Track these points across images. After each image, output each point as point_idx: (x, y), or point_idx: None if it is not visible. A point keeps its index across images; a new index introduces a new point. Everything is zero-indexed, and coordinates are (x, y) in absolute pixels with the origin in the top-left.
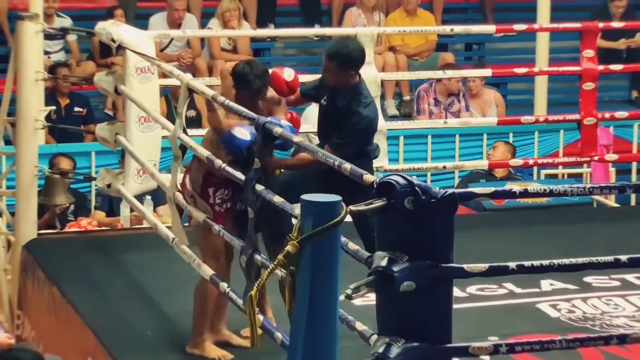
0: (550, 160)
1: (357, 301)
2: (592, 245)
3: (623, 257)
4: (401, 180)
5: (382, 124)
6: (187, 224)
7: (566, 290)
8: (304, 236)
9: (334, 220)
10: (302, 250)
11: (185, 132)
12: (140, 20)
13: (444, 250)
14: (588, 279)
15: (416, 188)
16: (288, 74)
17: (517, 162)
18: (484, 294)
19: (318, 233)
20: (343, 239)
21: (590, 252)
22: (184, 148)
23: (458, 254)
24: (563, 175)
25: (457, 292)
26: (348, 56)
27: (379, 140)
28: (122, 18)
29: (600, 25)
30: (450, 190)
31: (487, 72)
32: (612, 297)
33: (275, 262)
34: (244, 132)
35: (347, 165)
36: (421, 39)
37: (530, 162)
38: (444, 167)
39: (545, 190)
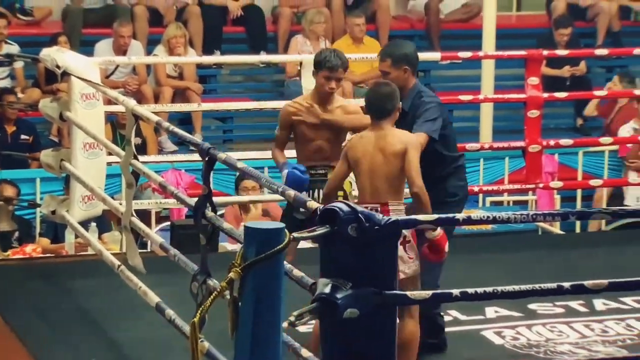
0: (495, 188)
1: (303, 327)
2: (537, 273)
3: (566, 284)
4: (345, 208)
5: None
6: (144, 250)
7: (511, 317)
8: (247, 263)
9: (277, 248)
10: (245, 277)
11: (136, 158)
12: (85, 47)
13: (387, 277)
14: (532, 306)
15: (360, 215)
16: None
17: None
18: None
19: (261, 260)
20: (288, 265)
21: (535, 279)
22: (136, 175)
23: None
24: (508, 202)
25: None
26: (400, 51)
27: None
28: (67, 45)
29: (545, 53)
30: (393, 218)
31: None
32: (556, 324)
33: (218, 289)
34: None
35: (291, 192)
36: (367, 66)
37: (476, 189)
38: None
39: (488, 217)
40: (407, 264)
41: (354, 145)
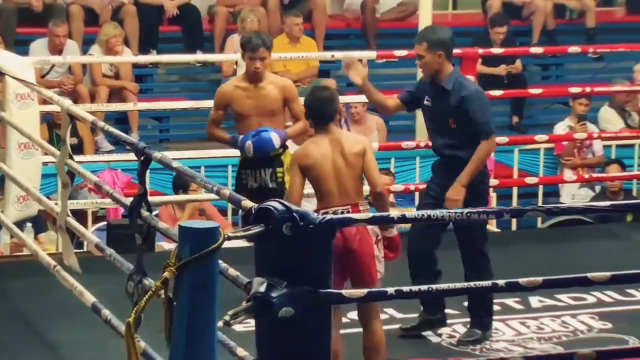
0: None
1: (239, 327)
2: None
3: (501, 282)
4: (279, 206)
5: None
6: (80, 250)
7: (448, 315)
8: (182, 262)
9: (212, 247)
10: (180, 277)
11: (71, 158)
12: (20, 46)
13: (322, 275)
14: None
15: (294, 214)
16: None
17: (398, 187)
18: None
19: (196, 259)
20: (223, 264)
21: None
22: (71, 174)
23: None
24: None
25: None
26: (435, 35)
27: None
28: (1, 44)
29: (480, 51)
30: (328, 216)
31: (362, 98)
32: (492, 321)
33: (153, 289)
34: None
35: (226, 191)
36: (303, 65)
37: (412, 187)
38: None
39: (422, 216)
40: (382, 263)
41: (306, 153)
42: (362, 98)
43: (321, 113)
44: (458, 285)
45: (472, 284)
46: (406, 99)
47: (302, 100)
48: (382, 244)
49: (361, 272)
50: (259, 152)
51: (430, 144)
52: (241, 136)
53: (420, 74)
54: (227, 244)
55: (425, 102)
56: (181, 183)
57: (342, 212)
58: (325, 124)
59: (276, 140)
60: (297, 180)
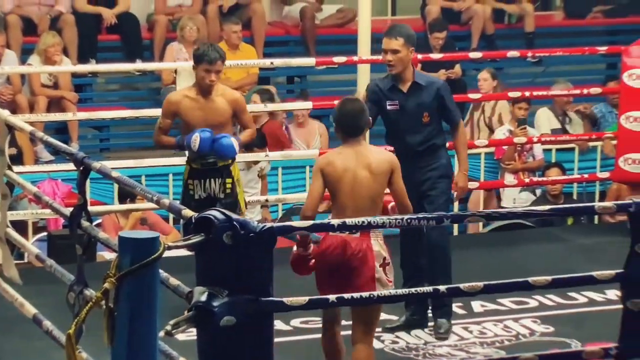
0: None
1: (182, 336)
2: None
3: (442, 287)
4: (219, 215)
5: None
6: (20, 261)
7: (390, 321)
8: (122, 273)
9: (152, 257)
10: (121, 287)
11: (10, 169)
12: None
13: (263, 284)
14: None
15: (234, 223)
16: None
17: None
18: (308, 327)
19: (136, 269)
20: (164, 274)
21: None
22: (11, 185)
23: (282, 288)
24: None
25: (281, 325)
26: (409, 31)
27: None
28: None
29: (419, 56)
30: (268, 225)
31: (308, 104)
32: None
33: (93, 299)
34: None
35: (166, 201)
36: (243, 72)
37: None
38: (267, 201)
39: (363, 222)
40: (386, 287)
41: (329, 162)
42: (305, 105)
43: (353, 125)
44: (399, 291)
45: (413, 290)
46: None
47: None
48: (389, 267)
49: (358, 290)
50: (221, 156)
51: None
52: (186, 136)
53: (359, 80)
54: (168, 253)
55: (390, 107)
56: (128, 192)
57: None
58: (356, 136)
59: (237, 147)
60: (316, 186)
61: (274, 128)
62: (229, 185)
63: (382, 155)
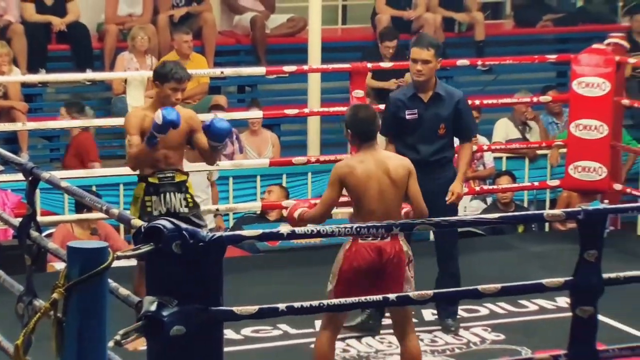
0: None
1: (131, 346)
2: None
3: (392, 296)
4: (168, 225)
5: None
6: None
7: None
8: (70, 283)
9: (101, 267)
10: (70, 297)
11: None
12: None
13: (213, 293)
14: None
15: (184, 232)
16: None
17: (290, 203)
18: (258, 336)
19: (84, 279)
20: (113, 284)
21: None
22: None
23: (231, 297)
24: (337, 215)
25: (232, 334)
26: (438, 42)
27: None
28: None
29: (370, 65)
30: (218, 234)
31: (259, 113)
32: (385, 335)
33: (42, 310)
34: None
35: (115, 210)
36: (194, 82)
37: None
38: (217, 210)
39: (312, 231)
40: (410, 283)
41: (352, 171)
42: (256, 114)
43: (367, 131)
44: (349, 300)
45: (362, 298)
46: (393, 133)
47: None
48: (412, 264)
49: (395, 288)
50: (220, 136)
51: (321, 159)
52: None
53: (309, 89)
54: (118, 263)
55: (409, 117)
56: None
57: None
58: (370, 141)
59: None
60: (332, 195)
61: (83, 140)
62: (190, 199)
63: (398, 161)
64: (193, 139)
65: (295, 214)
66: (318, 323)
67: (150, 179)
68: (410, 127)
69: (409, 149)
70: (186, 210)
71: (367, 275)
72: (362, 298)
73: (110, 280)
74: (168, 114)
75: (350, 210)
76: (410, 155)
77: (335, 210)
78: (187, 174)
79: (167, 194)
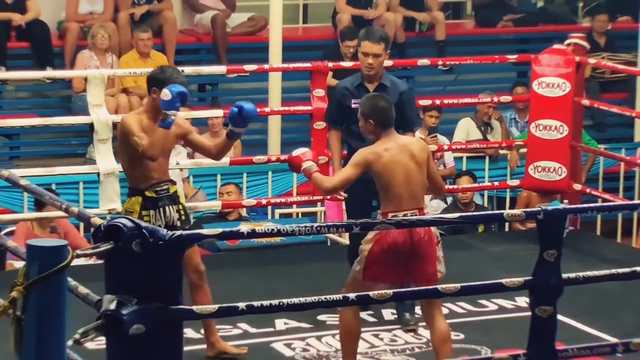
0: (284, 200)
1: (92, 344)
2: (325, 283)
3: (352, 295)
4: (128, 223)
5: (115, 166)
6: None
7: (300, 328)
8: (29, 282)
9: (60, 265)
10: (28, 296)
11: None
12: None
13: (173, 292)
14: (322, 317)
15: (143, 231)
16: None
17: (250, 202)
18: (219, 335)
19: (43, 278)
20: (73, 282)
21: (323, 290)
22: None
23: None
24: (297, 214)
25: (192, 333)
26: (387, 35)
27: (112, 182)
28: None
29: (331, 64)
30: (178, 233)
31: (219, 112)
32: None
33: (1, 308)
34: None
35: (75, 209)
36: None
37: (264, 202)
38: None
39: (272, 230)
40: (442, 263)
41: (378, 158)
42: (216, 113)
43: (387, 117)
44: (309, 299)
45: (322, 297)
46: (338, 121)
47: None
48: (440, 244)
49: (425, 272)
50: (251, 119)
51: (282, 158)
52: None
53: (270, 88)
54: (78, 261)
55: (354, 105)
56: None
57: (412, 215)
58: (389, 128)
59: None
60: (354, 174)
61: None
62: (182, 211)
63: (418, 144)
64: (190, 142)
65: (305, 165)
66: (278, 322)
67: (148, 193)
68: (356, 115)
69: (355, 137)
70: (179, 223)
71: (398, 256)
72: (323, 297)
73: (69, 279)
74: (175, 87)
75: (316, 209)
76: (356, 144)
77: (303, 210)
78: (175, 183)
79: (166, 208)
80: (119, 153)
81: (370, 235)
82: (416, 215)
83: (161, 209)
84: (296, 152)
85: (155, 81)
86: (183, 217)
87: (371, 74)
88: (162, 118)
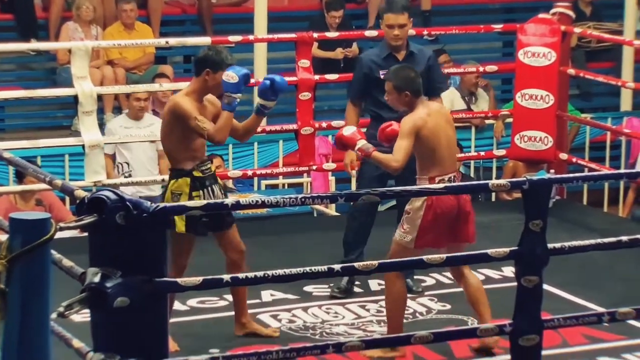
0: (270, 171)
1: (77, 317)
2: (311, 255)
3: (337, 266)
4: (112, 196)
5: (100, 138)
6: None
7: (286, 300)
8: (13, 255)
9: (43, 238)
10: (12, 269)
11: None
12: None
13: (157, 264)
14: (308, 288)
15: (127, 203)
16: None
17: (236, 173)
18: (205, 307)
19: (27, 251)
20: (57, 255)
21: (309, 262)
22: None
23: None
24: (284, 185)
25: (177, 305)
26: (409, 4)
27: (97, 155)
28: None
29: (316, 35)
30: (161, 205)
31: None
32: (332, 305)
33: None
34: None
35: (58, 181)
36: (139, 52)
37: (249, 173)
38: (163, 180)
39: (257, 201)
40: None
41: (425, 123)
42: None
43: (419, 86)
44: (294, 270)
45: (307, 269)
46: (361, 96)
47: None
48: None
49: (469, 233)
50: (281, 90)
51: (267, 129)
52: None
53: (255, 58)
54: (62, 234)
55: (384, 77)
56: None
57: (452, 179)
58: (422, 96)
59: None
60: (411, 144)
61: None
62: (223, 187)
63: (447, 110)
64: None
65: (360, 144)
66: (264, 293)
67: (195, 173)
68: (384, 86)
69: (384, 107)
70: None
71: (449, 220)
72: (308, 269)
73: (53, 252)
74: (240, 70)
75: (302, 180)
76: (385, 114)
77: (289, 180)
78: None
79: (214, 187)
80: (164, 135)
81: (419, 202)
82: (455, 177)
83: (209, 188)
84: (348, 132)
85: (211, 63)
86: (224, 196)
87: (399, 44)
88: (227, 101)
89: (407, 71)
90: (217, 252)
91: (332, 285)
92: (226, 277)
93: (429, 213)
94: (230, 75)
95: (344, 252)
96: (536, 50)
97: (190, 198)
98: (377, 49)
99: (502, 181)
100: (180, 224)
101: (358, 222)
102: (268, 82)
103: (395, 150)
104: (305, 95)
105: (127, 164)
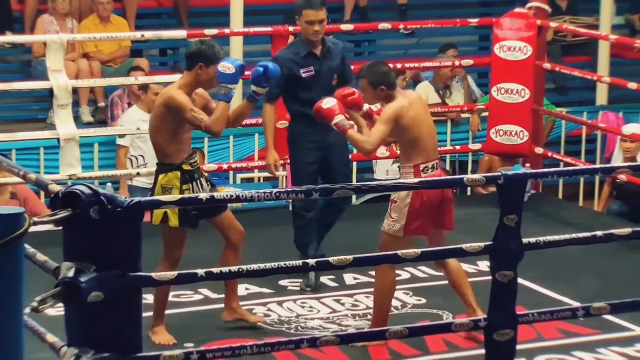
0: (245, 165)
1: (52, 312)
2: (286, 249)
3: (311, 261)
4: (86, 190)
5: (75, 131)
6: None
7: (261, 294)
8: None
9: (16, 233)
10: None
11: None
12: None
13: (131, 259)
14: (283, 282)
15: (102, 197)
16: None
17: (211, 167)
18: (180, 301)
19: (0, 246)
20: (31, 249)
21: (285, 255)
22: None
23: (151, 262)
24: (259, 178)
25: (152, 299)
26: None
27: (72, 148)
28: None
29: (291, 29)
30: (136, 199)
31: (177, 77)
32: (306, 299)
33: None
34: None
35: (32, 175)
36: (115, 45)
37: (225, 166)
38: (138, 174)
39: (232, 196)
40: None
41: (406, 112)
42: (171, 78)
43: (392, 78)
44: (268, 265)
45: (282, 263)
46: (277, 95)
47: None
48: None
49: (451, 220)
50: (273, 78)
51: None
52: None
53: (231, 52)
54: (36, 228)
55: (305, 75)
56: None
57: (435, 166)
58: (396, 87)
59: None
60: (387, 130)
61: None
62: (209, 181)
63: (423, 96)
64: (209, 111)
65: (337, 119)
66: (240, 287)
67: (184, 167)
68: (306, 84)
69: (307, 105)
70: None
71: (433, 206)
72: (282, 263)
73: (27, 246)
74: (235, 61)
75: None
76: (309, 112)
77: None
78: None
79: (201, 180)
80: (154, 129)
81: (405, 192)
82: (438, 165)
83: (197, 181)
84: (326, 104)
85: (203, 57)
86: (211, 187)
87: (318, 40)
88: (223, 92)
89: (379, 66)
90: (194, 246)
91: (301, 280)
92: (201, 271)
93: (416, 200)
94: (227, 66)
95: (299, 254)
96: (512, 45)
97: (182, 192)
98: (292, 47)
99: (476, 176)
100: (173, 218)
101: (305, 219)
102: (261, 69)
103: (371, 133)
104: None
105: (142, 156)
